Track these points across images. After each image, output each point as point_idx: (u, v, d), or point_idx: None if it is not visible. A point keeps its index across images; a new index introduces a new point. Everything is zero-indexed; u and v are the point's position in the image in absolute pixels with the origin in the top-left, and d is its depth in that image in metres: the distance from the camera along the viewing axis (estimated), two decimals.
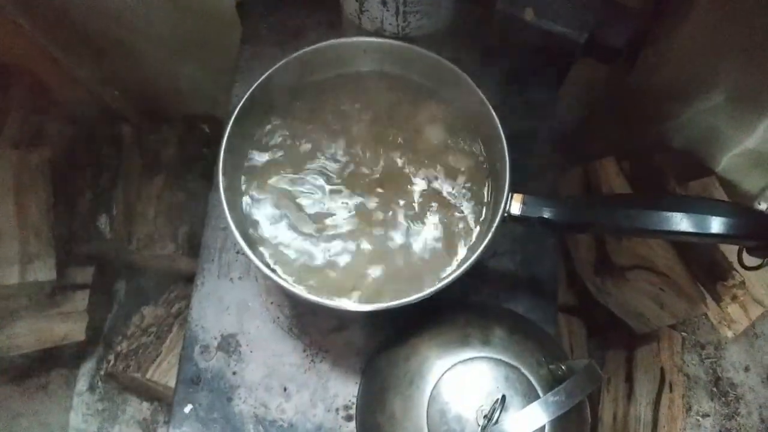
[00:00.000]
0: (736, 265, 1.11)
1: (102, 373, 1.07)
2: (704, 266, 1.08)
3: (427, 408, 0.51)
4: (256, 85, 0.56)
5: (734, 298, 1.08)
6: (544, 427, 0.49)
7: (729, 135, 1.01)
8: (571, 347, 1.07)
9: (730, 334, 1.14)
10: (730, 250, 1.07)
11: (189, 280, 0.85)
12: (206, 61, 0.99)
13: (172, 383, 0.64)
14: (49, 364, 1.07)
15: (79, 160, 1.08)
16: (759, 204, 1.10)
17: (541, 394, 0.49)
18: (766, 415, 1.16)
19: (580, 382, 0.40)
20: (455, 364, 0.52)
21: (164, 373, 0.97)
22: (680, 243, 1.05)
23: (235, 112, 0.56)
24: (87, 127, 1.11)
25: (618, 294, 1.04)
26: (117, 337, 1.04)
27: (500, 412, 0.46)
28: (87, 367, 1.08)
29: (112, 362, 1.01)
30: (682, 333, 1.17)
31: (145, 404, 1.07)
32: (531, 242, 0.70)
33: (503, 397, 0.47)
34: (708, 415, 1.16)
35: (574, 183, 1.11)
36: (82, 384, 1.08)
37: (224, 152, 0.55)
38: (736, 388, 1.18)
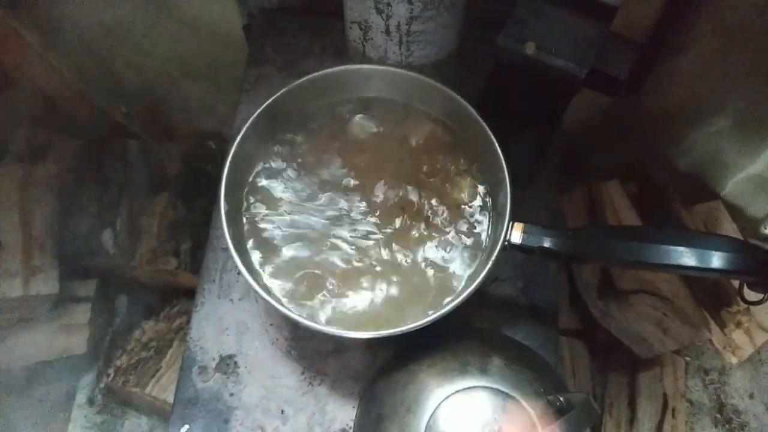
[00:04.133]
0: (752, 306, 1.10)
1: (101, 386, 1.07)
2: (708, 292, 1.07)
3: None
4: (259, 111, 0.57)
5: (738, 324, 1.07)
6: None
7: (734, 159, 1.01)
8: (573, 371, 1.06)
9: (734, 360, 1.13)
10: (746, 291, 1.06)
11: (190, 295, 0.85)
12: (213, 79, 0.99)
13: (171, 398, 0.64)
14: (49, 377, 1.07)
15: (84, 175, 1.09)
16: (765, 229, 1.09)
17: (539, 427, 0.49)
18: None
19: (576, 419, 0.40)
20: (453, 393, 0.52)
21: (164, 389, 0.97)
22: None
23: (238, 137, 0.56)
24: (93, 143, 1.12)
25: (621, 318, 1.04)
26: (117, 351, 1.04)
27: None
28: (87, 380, 1.08)
29: (111, 376, 1.01)
30: (686, 358, 1.16)
31: (144, 419, 1.06)
32: (532, 269, 0.70)
33: (500, 430, 0.47)
34: None
35: (578, 205, 1.11)
36: (81, 397, 1.08)
37: (227, 176, 0.55)
38: (740, 415, 1.17)
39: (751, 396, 1.17)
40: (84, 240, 1.04)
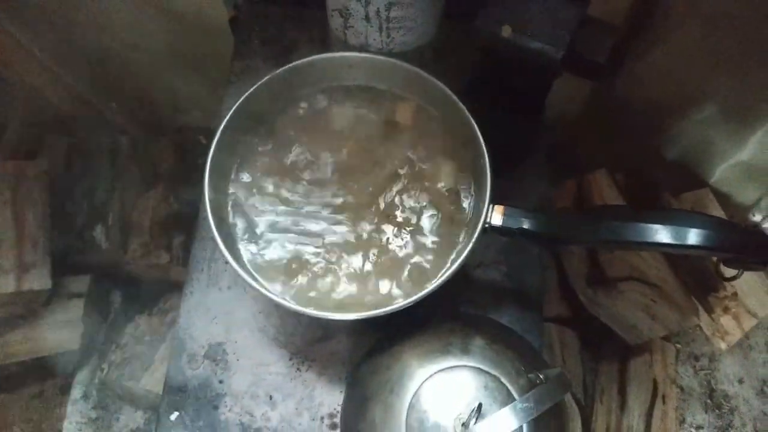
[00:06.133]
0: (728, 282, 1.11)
1: (96, 381, 1.08)
2: (696, 278, 1.08)
3: (407, 416, 0.51)
4: (242, 99, 0.57)
5: (726, 309, 1.08)
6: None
7: (722, 147, 1.01)
8: (563, 359, 1.07)
9: (723, 345, 1.14)
10: (722, 267, 1.07)
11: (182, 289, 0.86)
12: (201, 73, 1.00)
13: None
14: (43, 373, 1.08)
15: (76, 171, 1.10)
16: (753, 216, 1.10)
17: None
18: (760, 428, 1.16)
19: (549, 390, 0.41)
20: (435, 373, 0.53)
21: (157, 382, 0.98)
22: (673, 254, 1.05)
23: (221, 127, 0.57)
24: (84, 139, 1.12)
25: (610, 305, 1.05)
26: (111, 346, 1.05)
27: (476, 420, 0.46)
28: (81, 376, 1.09)
29: (106, 370, 1.02)
30: (676, 345, 1.17)
31: (139, 413, 1.07)
32: (517, 253, 0.71)
33: (480, 405, 0.48)
34: (702, 427, 1.16)
35: (567, 196, 1.12)
36: (76, 392, 1.08)
37: (210, 165, 0.56)
38: (730, 400, 1.18)
39: (740, 381, 1.19)
40: (76, 236, 1.05)
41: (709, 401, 1.17)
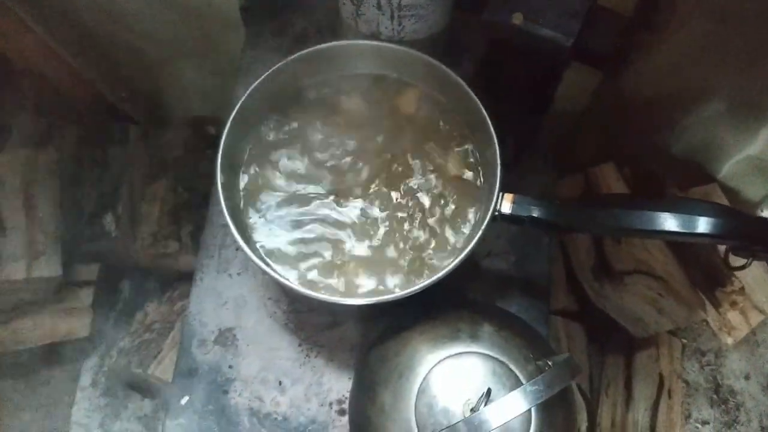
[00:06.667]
0: (736, 271, 1.11)
1: (105, 369, 1.09)
2: (703, 272, 1.08)
3: (416, 401, 0.52)
4: (253, 86, 0.58)
5: (733, 304, 1.08)
6: (530, 421, 0.51)
7: (730, 142, 1.01)
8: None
9: (730, 341, 1.14)
10: (731, 256, 1.07)
11: (192, 278, 0.86)
12: (212, 64, 1.00)
13: None
14: (53, 360, 1.09)
15: (86, 160, 1.10)
16: (762, 211, 1.10)
17: None
18: (766, 424, 1.16)
19: (559, 373, 0.41)
20: (444, 359, 0.53)
21: (166, 370, 0.98)
22: (680, 248, 1.05)
23: (234, 112, 0.58)
24: (94, 128, 1.13)
25: (616, 298, 1.05)
26: (120, 334, 1.06)
27: (485, 405, 0.47)
28: (90, 363, 1.10)
29: (114, 358, 1.03)
30: (683, 340, 1.17)
31: (147, 401, 1.08)
32: (525, 243, 0.71)
33: (489, 390, 0.48)
34: (707, 423, 1.16)
35: (574, 189, 1.12)
36: (85, 379, 1.09)
37: (223, 149, 0.57)
38: (736, 396, 1.17)
39: (746, 377, 1.18)
40: (86, 224, 1.06)
41: (715, 396, 1.17)
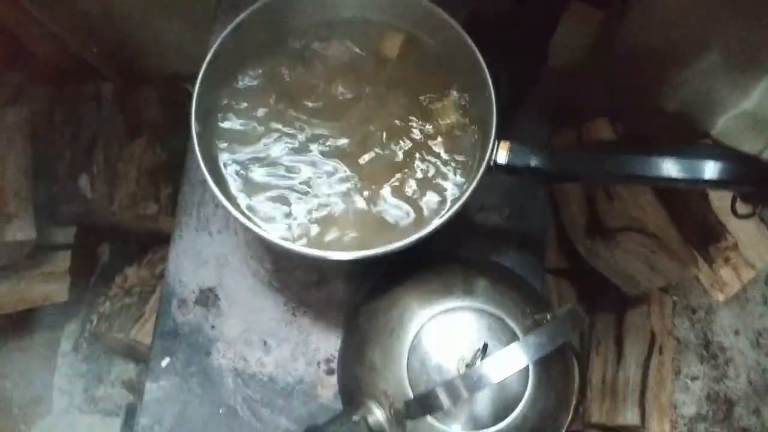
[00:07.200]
0: (729, 227, 1.10)
1: (86, 334, 1.06)
2: (696, 228, 1.07)
3: (408, 358, 0.50)
4: (231, 25, 0.54)
5: (727, 260, 1.07)
6: (527, 378, 0.49)
7: (725, 97, 0.99)
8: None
9: (722, 297, 1.14)
10: (724, 211, 1.05)
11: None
12: (186, 17, 0.95)
13: None
14: (32, 326, 1.06)
15: (57, 119, 1.05)
16: None
17: None
18: (754, 378, 1.16)
19: (562, 324, 0.39)
20: (437, 314, 0.51)
21: (148, 334, 0.96)
22: (673, 204, 1.03)
23: (208, 56, 0.54)
24: (66, 87, 1.07)
25: (609, 256, 1.03)
26: (100, 298, 1.03)
27: (482, 360, 0.44)
28: (71, 328, 1.07)
29: (95, 322, 1.00)
30: (674, 297, 1.17)
31: (131, 365, 1.06)
32: (519, 196, 0.69)
33: (485, 345, 0.46)
34: (697, 378, 1.16)
35: (566, 143, 1.09)
36: (66, 345, 1.06)
37: (197, 97, 0.53)
38: (726, 352, 1.18)
39: (736, 333, 1.19)
40: (60, 185, 1.01)
41: (704, 352, 1.17)
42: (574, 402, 0.53)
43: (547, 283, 1.05)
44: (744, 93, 0.95)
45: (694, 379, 1.16)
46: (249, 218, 0.53)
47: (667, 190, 1.04)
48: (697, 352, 1.17)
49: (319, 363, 0.62)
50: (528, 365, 0.46)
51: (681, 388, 1.15)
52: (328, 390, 0.62)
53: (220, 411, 0.61)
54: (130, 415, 1.00)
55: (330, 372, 0.62)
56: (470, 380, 0.38)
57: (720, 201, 1.06)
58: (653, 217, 1.02)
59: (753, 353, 1.17)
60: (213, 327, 0.63)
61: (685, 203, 1.06)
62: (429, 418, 0.47)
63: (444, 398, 0.38)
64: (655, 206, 1.03)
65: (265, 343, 0.63)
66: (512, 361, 0.37)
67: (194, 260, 0.65)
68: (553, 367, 0.50)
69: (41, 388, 1.06)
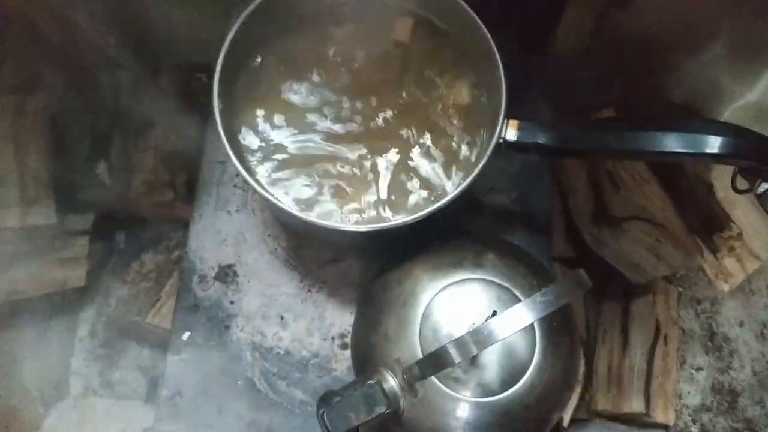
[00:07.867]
0: (734, 217, 1.11)
1: (103, 319, 1.08)
2: (701, 218, 1.08)
3: (420, 327, 0.52)
4: (251, 7, 0.56)
5: (731, 250, 1.08)
6: (534, 347, 0.50)
7: (730, 88, 0.99)
8: None
9: (726, 287, 1.14)
10: (728, 201, 1.06)
11: (188, 227, 0.85)
12: (202, 6, 0.97)
13: None
14: (49, 310, 1.08)
15: (76, 107, 1.07)
16: None
17: None
18: (758, 369, 1.17)
19: (568, 285, 0.41)
20: (448, 285, 0.53)
21: (164, 318, 0.98)
22: (678, 193, 1.05)
23: (228, 38, 0.56)
24: (84, 76, 1.10)
25: (615, 244, 1.04)
26: (117, 283, 1.05)
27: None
28: (88, 313, 1.09)
29: (112, 307, 1.02)
30: (679, 288, 1.18)
31: (146, 350, 1.08)
32: (527, 179, 0.71)
33: (494, 312, 0.48)
34: (702, 369, 1.18)
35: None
36: (83, 329, 1.09)
37: (219, 76, 0.55)
38: (731, 343, 1.19)
39: (741, 324, 1.20)
40: (79, 173, 1.04)
41: (709, 343, 1.19)
42: (580, 375, 0.55)
43: (555, 271, 1.06)
44: (749, 84, 0.95)
45: (698, 369, 1.17)
46: (266, 190, 0.55)
47: (672, 179, 1.05)
48: (702, 343, 1.18)
49: (333, 338, 0.64)
50: (536, 334, 0.48)
51: (686, 378, 1.16)
52: (342, 364, 0.64)
53: (239, 383, 0.63)
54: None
55: (344, 346, 0.64)
56: (481, 335, 0.39)
57: (725, 191, 1.07)
58: (659, 205, 1.03)
59: (757, 344, 1.18)
60: (232, 302, 0.65)
61: (690, 192, 1.07)
62: (440, 384, 0.49)
63: (454, 353, 0.40)
64: (661, 195, 1.04)
65: (281, 318, 0.65)
66: (519, 319, 0.39)
67: (213, 238, 0.67)
68: (559, 338, 0.52)
69: (59, 371, 1.08)
